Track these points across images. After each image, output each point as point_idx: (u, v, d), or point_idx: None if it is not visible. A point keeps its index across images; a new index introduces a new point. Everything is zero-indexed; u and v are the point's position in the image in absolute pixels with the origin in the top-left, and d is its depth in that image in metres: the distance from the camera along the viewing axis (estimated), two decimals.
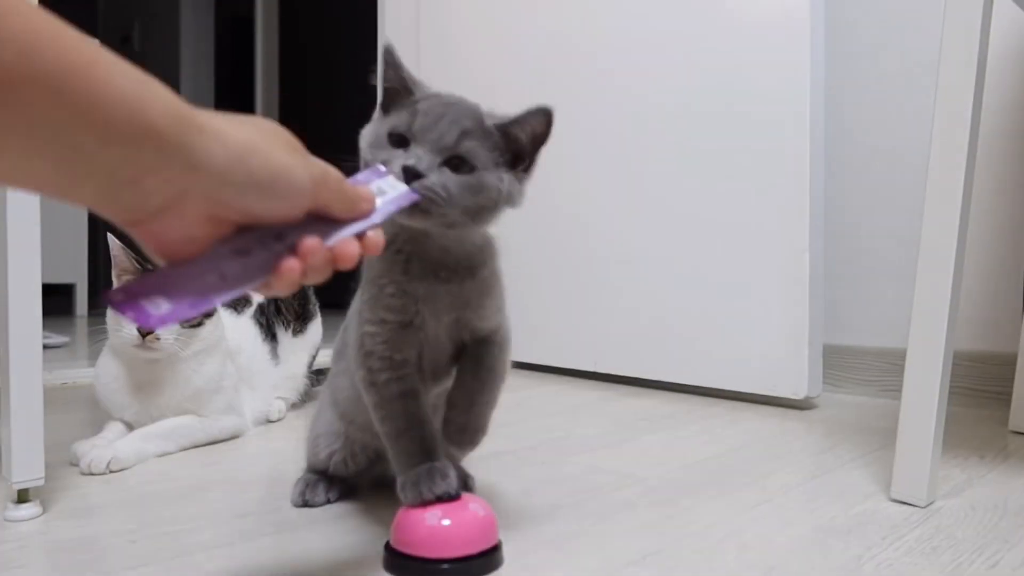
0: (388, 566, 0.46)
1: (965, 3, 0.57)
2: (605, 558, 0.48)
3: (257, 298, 0.99)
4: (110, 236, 0.72)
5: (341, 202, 0.32)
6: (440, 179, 0.41)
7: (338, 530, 0.53)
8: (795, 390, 1.00)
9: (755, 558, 0.49)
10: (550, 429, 0.89)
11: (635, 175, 1.19)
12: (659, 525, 0.55)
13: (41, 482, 0.55)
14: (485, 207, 0.43)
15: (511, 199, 0.44)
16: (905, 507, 0.59)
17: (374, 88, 1.99)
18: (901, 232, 1.09)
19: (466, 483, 0.58)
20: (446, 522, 0.45)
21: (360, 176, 0.39)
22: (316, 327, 1.04)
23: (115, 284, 0.74)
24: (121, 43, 3.72)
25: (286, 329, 0.99)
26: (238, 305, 0.94)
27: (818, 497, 0.62)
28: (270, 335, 0.96)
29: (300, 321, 1.01)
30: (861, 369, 1.12)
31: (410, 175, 0.40)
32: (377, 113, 0.46)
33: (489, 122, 0.44)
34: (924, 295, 0.59)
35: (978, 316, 1.02)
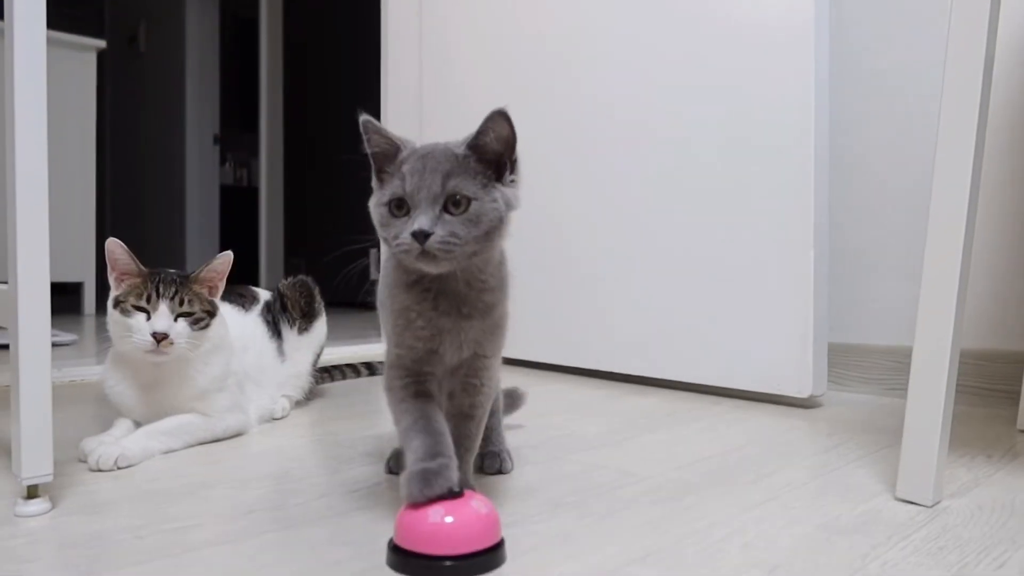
0: (391, 563, 0.46)
1: None
2: (607, 556, 0.48)
3: (264, 295, 1.00)
4: (111, 239, 0.73)
5: None
6: (446, 229, 0.46)
7: (342, 527, 0.54)
8: (800, 388, 1.00)
9: (758, 557, 0.48)
10: (552, 427, 0.89)
11: (637, 174, 1.19)
12: (662, 523, 0.55)
13: (50, 478, 0.56)
14: (493, 227, 0.48)
15: (510, 205, 0.49)
16: (911, 507, 0.58)
17: (377, 89, 1.98)
18: (906, 230, 1.08)
19: (501, 466, 0.66)
20: (449, 519, 0.45)
21: None
22: (321, 325, 1.04)
23: (112, 286, 0.75)
24: (127, 44, 3.74)
25: (291, 327, 0.99)
26: (245, 302, 0.94)
27: (823, 496, 0.62)
28: (276, 333, 0.97)
29: (306, 319, 1.01)
30: (866, 367, 1.11)
31: (421, 237, 0.45)
32: (375, 183, 0.51)
33: (459, 150, 0.48)
34: (930, 293, 0.58)
35: (985, 314, 1.02)
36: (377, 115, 1.73)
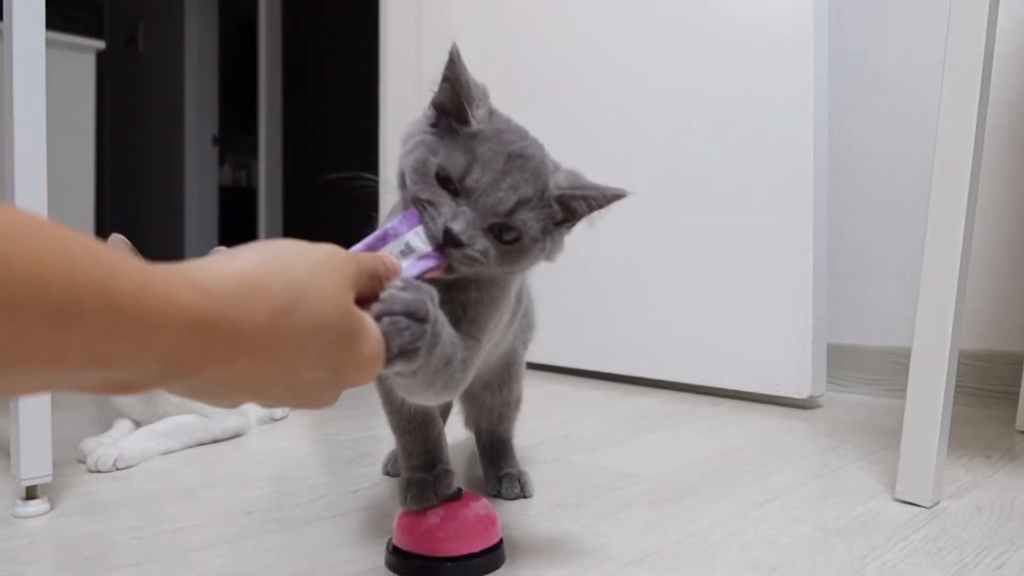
0: (391, 564, 0.46)
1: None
2: (606, 557, 0.48)
3: None
4: (114, 235, 0.72)
5: (374, 290, 0.33)
6: (481, 245, 0.38)
7: (341, 528, 0.53)
8: (799, 389, 1.00)
9: (757, 558, 0.48)
10: (552, 428, 0.89)
11: (637, 174, 1.19)
12: (661, 524, 0.55)
13: (49, 479, 0.56)
14: (521, 269, 0.42)
15: (550, 257, 0.43)
16: (910, 507, 0.58)
17: (376, 90, 1.98)
18: (906, 230, 1.09)
19: (523, 489, 0.60)
20: (447, 521, 0.45)
21: (393, 225, 0.37)
22: None
23: None
24: (126, 44, 3.74)
25: None
26: None
27: (822, 497, 0.62)
28: None
29: None
30: (865, 368, 1.11)
31: (450, 241, 0.37)
32: (428, 111, 0.42)
33: (553, 188, 0.40)
34: (929, 293, 0.59)
35: (984, 315, 1.02)
36: (376, 115, 1.73)
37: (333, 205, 3.26)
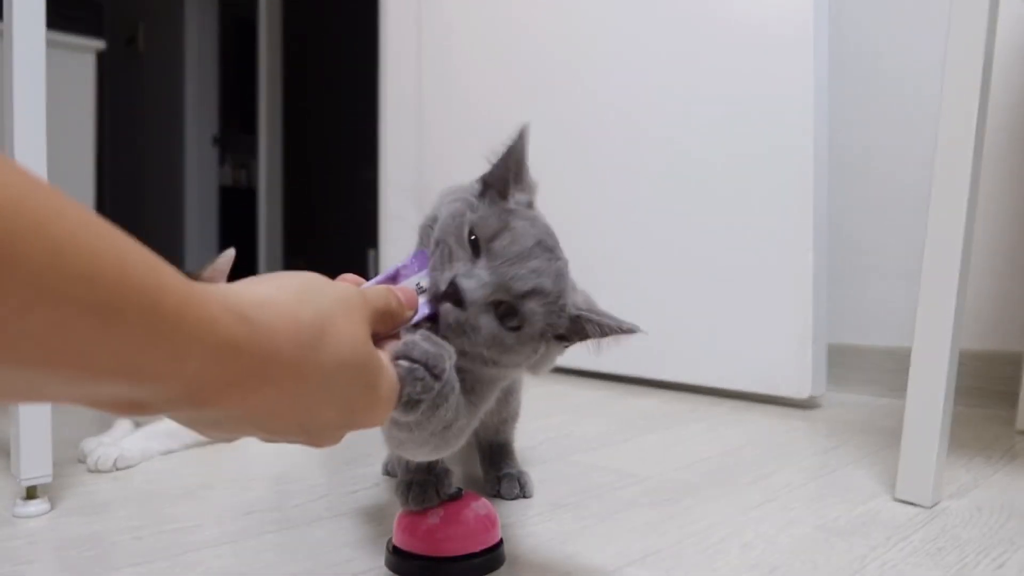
0: (391, 564, 0.46)
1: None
2: (606, 557, 0.48)
3: None
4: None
5: (388, 327, 0.32)
6: (478, 318, 0.35)
7: (341, 528, 0.53)
8: (799, 389, 1.00)
9: (757, 558, 0.48)
10: (552, 428, 0.89)
11: (637, 174, 1.19)
12: (661, 525, 0.55)
13: (49, 479, 0.56)
14: (503, 365, 0.38)
15: (536, 367, 0.40)
16: (910, 507, 0.58)
17: (376, 90, 1.98)
18: (906, 231, 1.09)
19: (522, 490, 0.60)
20: (448, 521, 0.45)
21: (406, 263, 0.37)
22: None
23: None
24: (126, 44, 3.74)
25: None
26: None
27: (822, 497, 0.62)
28: None
29: None
30: (866, 368, 1.11)
31: (452, 295, 0.34)
32: (475, 182, 0.41)
33: (570, 304, 0.38)
34: (929, 294, 0.59)
35: (984, 315, 1.02)
36: (376, 115, 1.73)
37: (333, 205, 3.26)
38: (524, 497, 0.60)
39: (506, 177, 0.40)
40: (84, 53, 2.30)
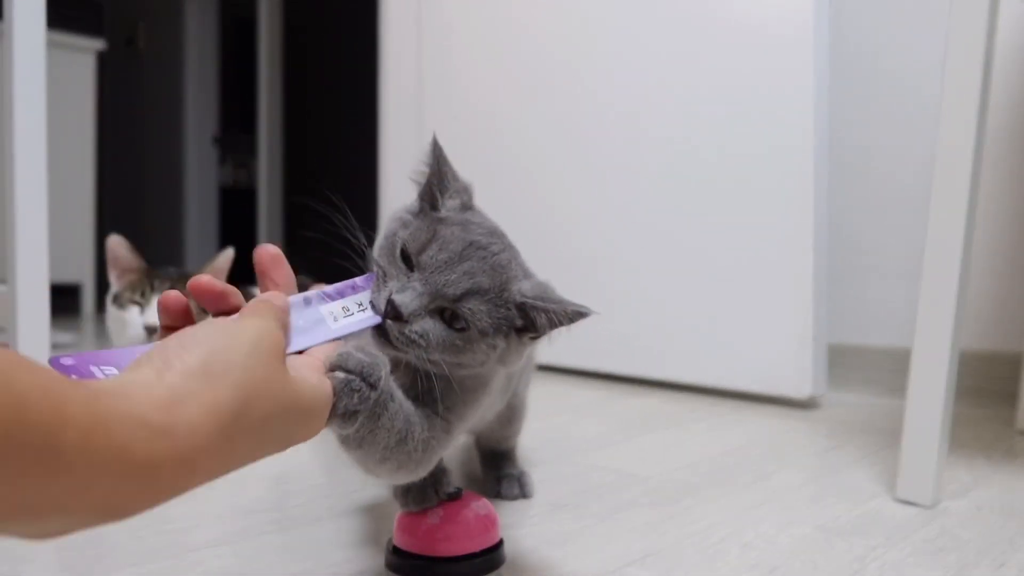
0: (391, 564, 0.46)
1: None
2: (606, 557, 0.48)
3: None
4: (113, 236, 0.73)
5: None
6: (422, 327, 0.36)
7: (341, 528, 0.53)
8: (799, 389, 1.00)
9: (757, 558, 0.48)
10: (552, 428, 0.89)
11: (637, 174, 1.19)
12: (661, 525, 0.55)
13: None
14: (467, 365, 0.38)
15: (504, 361, 0.40)
16: (910, 508, 0.58)
17: (376, 90, 1.98)
18: (906, 231, 1.09)
19: (522, 490, 0.61)
20: (448, 521, 0.45)
21: (363, 278, 0.38)
22: None
23: (113, 283, 0.75)
24: (126, 44, 3.74)
25: None
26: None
27: (822, 497, 0.62)
28: None
29: None
30: (866, 368, 1.11)
31: (392, 313, 0.36)
32: (415, 202, 0.42)
33: (515, 293, 0.38)
34: (930, 294, 0.59)
35: (984, 315, 1.02)
36: (376, 115, 1.73)
37: (332, 204, 3.24)
38: (524, 497, 0.61)
39: (432, 190, 0.41)
40: (84, 53, 2.30)
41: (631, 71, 1.20)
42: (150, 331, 0.72)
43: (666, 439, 0.84)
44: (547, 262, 1.34)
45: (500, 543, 0.47)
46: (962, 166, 0.57)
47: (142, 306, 0.73)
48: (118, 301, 0.74)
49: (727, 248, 1.08)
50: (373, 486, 0.64)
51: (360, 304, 0.37)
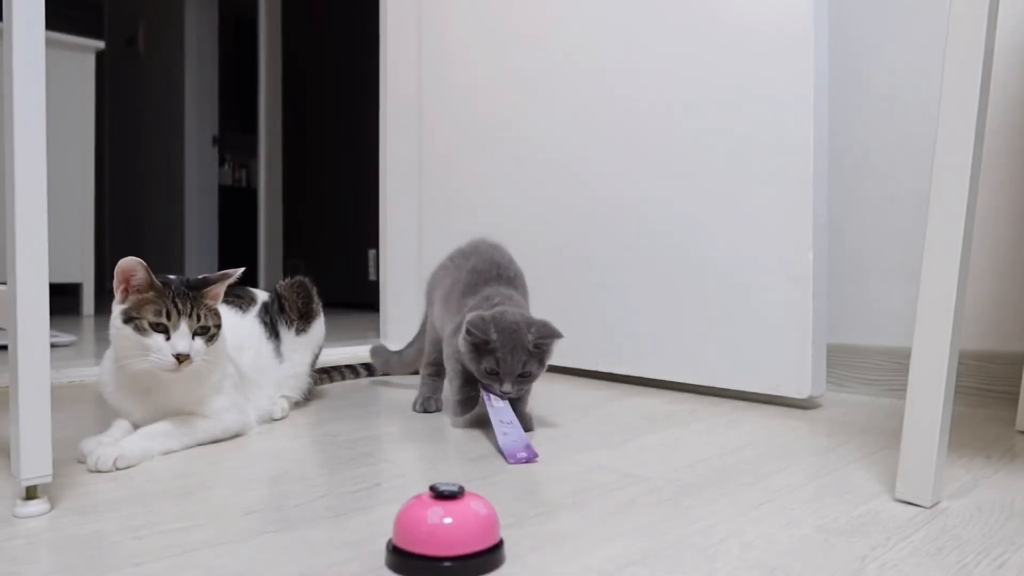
0: (391, 564, 0.46)
1: None
2: (607, 557, 0.48)
3: (262, 296, 1.00)
4: (130, 258, 0.70)
5: None
6: (518, 389, 0.83)
7: (341, 528, 0.54)
8: (799, 389, 1.00)
9: (757, 558, 0.49)
10: (552, 428, 0.89)
11: (637, 174, 1.19)
12: (661, 525, 0.55)
13: (49, 479, 0.56)
14: (540, 372, 0.84)
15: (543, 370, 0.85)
16: (910, 507, 0.58)
17: (376, 90, 1.97)
18: (906, 230, 1.09)
19: (528, 424, 0.86)
20: (448, 520, 0.45)
21: (489, 398, 0.82)
22: (319, 326, 1.04)
23: (118, 298, 0.73)
24: (126, 44, 3.74)
25: (289, 328, 0.99)
26: (243, 304, 0.94)
27: (822, 497, 0.62)
28: (274, 334, 0.96)
29: (303, 320, 1.01)
30: (866, 368, 1.12)
31: (506, 397, 0.82)
32: (467, 340, 0.81)
33: (529, 344, 0.81)
34: (929, 294, 0.59)
35: (984, 315, 1.02)
36: (376, 115, 1.73)
37: (332, 204, 3.26)
38: (528, 430, 0.83)
39: (486, 343, 0.82)
40: (84, 53, 2.30)
41: (631, 70, 1.20)
42: (181, 359, 0.70)
43: (666, 439, 0.84)
44: (547, 262, 1.37)
45: (500, 543, 0.47)
46: (961, 166, 0.57)
47: (167, 331, 0.71)
48: (135, 323, 0.70)
49: (727, 248, 1.08)
50: (373, 486, 0.64)
51: (495, 402, 0.82)
